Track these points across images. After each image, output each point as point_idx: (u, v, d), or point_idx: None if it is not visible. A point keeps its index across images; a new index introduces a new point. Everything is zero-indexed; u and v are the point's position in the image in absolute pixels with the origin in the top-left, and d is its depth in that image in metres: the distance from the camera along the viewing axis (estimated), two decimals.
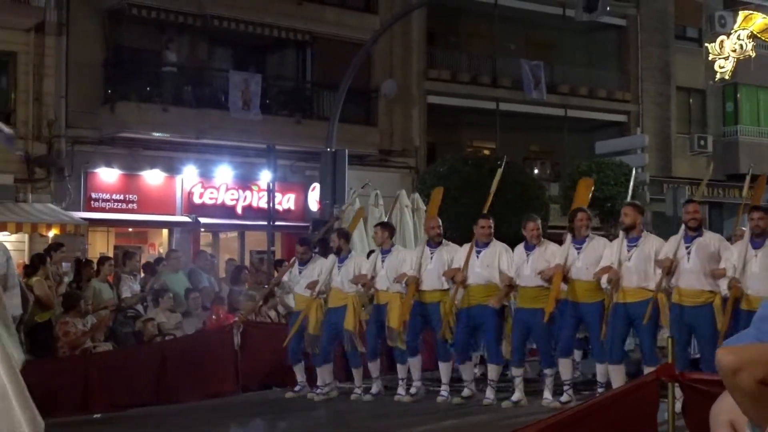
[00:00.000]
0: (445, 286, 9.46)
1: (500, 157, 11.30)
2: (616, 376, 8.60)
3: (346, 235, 10.23)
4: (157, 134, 19.45)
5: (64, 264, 12.08)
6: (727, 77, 27.83)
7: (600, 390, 8.78)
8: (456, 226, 12.11)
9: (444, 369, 9.50)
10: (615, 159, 19.94)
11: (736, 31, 27.82)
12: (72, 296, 10.61)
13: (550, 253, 9.06)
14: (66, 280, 11.77)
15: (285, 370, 10.17)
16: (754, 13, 28.14)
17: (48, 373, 9.02)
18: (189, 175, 20.16)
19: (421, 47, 23.83)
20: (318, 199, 17.66)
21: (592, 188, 9.93)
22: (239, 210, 20.66)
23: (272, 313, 11.70)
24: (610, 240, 9.12)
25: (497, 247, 9.26)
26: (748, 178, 10.13)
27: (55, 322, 10.30)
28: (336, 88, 17.50)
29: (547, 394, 9.02)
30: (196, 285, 12.34)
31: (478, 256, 9.23)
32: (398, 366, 9.78)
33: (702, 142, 27.44)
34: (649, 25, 27.70)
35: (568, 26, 24.30)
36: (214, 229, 20.81)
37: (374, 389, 9.82)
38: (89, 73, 19.01)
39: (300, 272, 10.28)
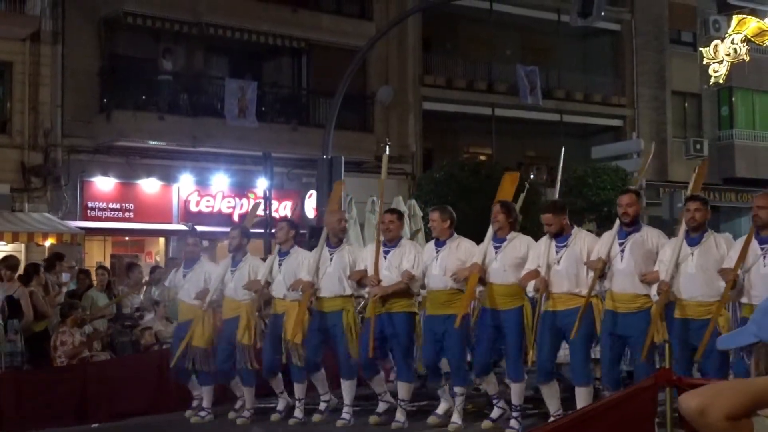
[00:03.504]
0: (347, 292, 8.36)
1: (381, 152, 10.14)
2: (548, 394, 7.49)
3: (246, 234, 9.17)
4: (154, 142, 19.45)
5: (64, 275, 12.05)
6: (721, 81, 27.88)
7: (515, 414, 7.63)
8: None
9: (347, 388, 8.37)
10: (611, 164, 20.00)
11: (730, 36, 27.87)
12: (69, 306, 10.61)
13: (464, 251, 7.89)
14: (64, 290, 11.77)
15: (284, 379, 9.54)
16: (748, 17, 28.20)
17: (45, 383, 9.02)
18: (185, 183, 20.16)
19: (416, 53, 23.87)
20: (315, 206, 17.65)
21: (517, 183, 8.66)
22: (236, 218, 20.65)
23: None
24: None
25: (406, 246, 8.23)
26: (694, 175, 8.93)
27: (53, 332, 10.30)
28: (332, 95, 17.51)
29: (456, 418, 7.88)
30: None
31: (386, 257, 8.10)
32: (295, 386, 8.61)
33: (698, 146, 27.50)
34: (644, 30, 27.78)
35: (563, 32, 24.38)
36: (210, 237, 20.74)
37: (280, 406, 8.84)
38: (85, 82, 19.03)
39: (184, 275, 9.15)
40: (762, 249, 6.51)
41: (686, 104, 28.91)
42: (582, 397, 7.26)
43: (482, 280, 7.70)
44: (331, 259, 8.40)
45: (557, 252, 7.36)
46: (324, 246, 8.52)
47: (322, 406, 8.62)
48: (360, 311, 8.81)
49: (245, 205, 20.73)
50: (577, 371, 7.37)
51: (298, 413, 8.55)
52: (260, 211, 19.03)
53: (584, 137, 26.45)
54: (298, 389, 8.63)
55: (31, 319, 10.09)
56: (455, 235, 8.07)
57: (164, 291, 9.63)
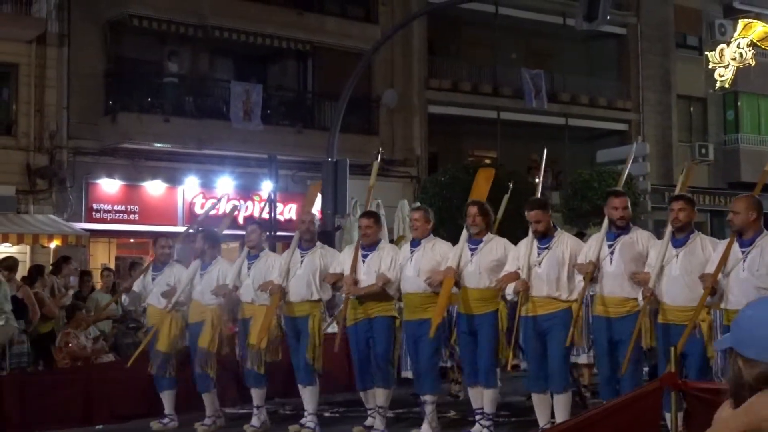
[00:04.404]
0: (315, 297, 8.09)
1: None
2: (539, 404, 7.15)
3: (213, 238, 8.96)
4: (159, 145, 19.47)
5: (72, 278, 12.08)
6: (727, 85, 27.88)
7: (486, 423, 7.35)
8: (457, 237, 12.05)
9: (306, 395, 8.17)
10: (616, 167, 19.92)
11: (735, 40, 27.88)
12: (73, 308, 10.64)
13: (439, 252, 7.64)
14: (71, 292, 11.80)
15: (285, 382, 9.44)
16: (754, 21, 28.21)
17: (50, 384, 9.02)
18: (190, 186, 20.17)
19: (421, 56, 23.87)
20: (320, 209, 17.64)
21: (492, 180, 8.39)
22: (241, 220, 20.64)
23: None
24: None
25: (384, 249, 7.94)
26: (681, 177, 8.60)
27: (58, 333, 10.33)
28: (337, 98, 17.52)
29: (425, 428, 7.59)
30: None
31: (364, 262, 7.85)
32: (252, 391, 8.41)
33: (703, 151, 27.46)
34: (649, 34, 27.74)
35: (568, 35, 24.35)
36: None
37: (256, 421, 8.43)
38: (91, 84, 19.05)
39: (153, 279, 9.00)
40: (743, 252, 6.32)
41: (692, 108, 28.86)
42: (561, 405, 7.00)
43: (457, 283, 7.44)
44: (301, 262, 8.14)
45: (539, 254, 7.07)
46: (296, 248, 8.26)
47: (311, 424, 8.15)
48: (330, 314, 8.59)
49: (250, 207, 20.74)
50: (555, 378, 7.03)
51: (254, 421, 8.33)
52: (265, 214, 19.06)
53: (589, 141, 26.41)
54: (255, 396, 8.39)
55: (38, 318, 10.12)
56: (431, 235, 7.83)
57: (135, 297, 9.41)
